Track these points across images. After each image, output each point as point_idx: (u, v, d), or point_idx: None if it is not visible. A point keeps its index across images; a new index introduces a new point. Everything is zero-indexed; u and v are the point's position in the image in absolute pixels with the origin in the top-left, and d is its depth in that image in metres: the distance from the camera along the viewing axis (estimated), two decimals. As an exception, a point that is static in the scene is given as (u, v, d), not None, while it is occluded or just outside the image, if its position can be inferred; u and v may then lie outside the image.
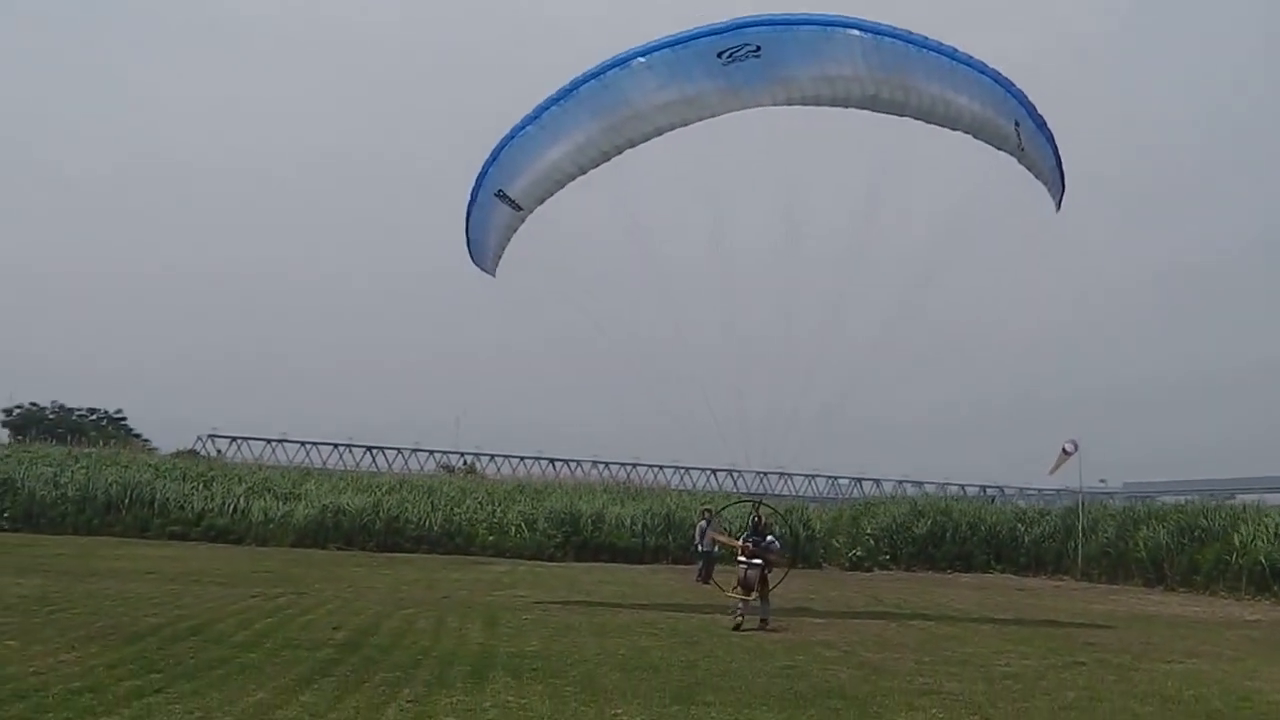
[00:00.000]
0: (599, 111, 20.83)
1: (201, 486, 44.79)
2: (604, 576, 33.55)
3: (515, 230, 22.72)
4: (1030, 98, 20.11)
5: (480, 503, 45.75)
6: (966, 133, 20.75)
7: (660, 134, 21.45)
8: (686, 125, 21.34)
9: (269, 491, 44.99)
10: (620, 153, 21.63)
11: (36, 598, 20.03)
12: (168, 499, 43.10)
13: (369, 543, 41.76)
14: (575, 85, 20.69)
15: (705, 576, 30.55)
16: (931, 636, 20.66)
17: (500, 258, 23.47)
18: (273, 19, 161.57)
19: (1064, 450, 42.49)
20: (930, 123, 20.73)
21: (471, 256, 23.43)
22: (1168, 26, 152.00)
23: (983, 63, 19.71)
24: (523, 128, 21.23)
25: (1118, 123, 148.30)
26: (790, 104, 20.85)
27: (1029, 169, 20.97)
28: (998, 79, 19.80)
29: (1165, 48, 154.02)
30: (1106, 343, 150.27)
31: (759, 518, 22.02)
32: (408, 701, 12.10)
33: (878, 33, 19.64)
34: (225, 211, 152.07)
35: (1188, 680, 16.12)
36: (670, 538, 43.30)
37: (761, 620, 20.63)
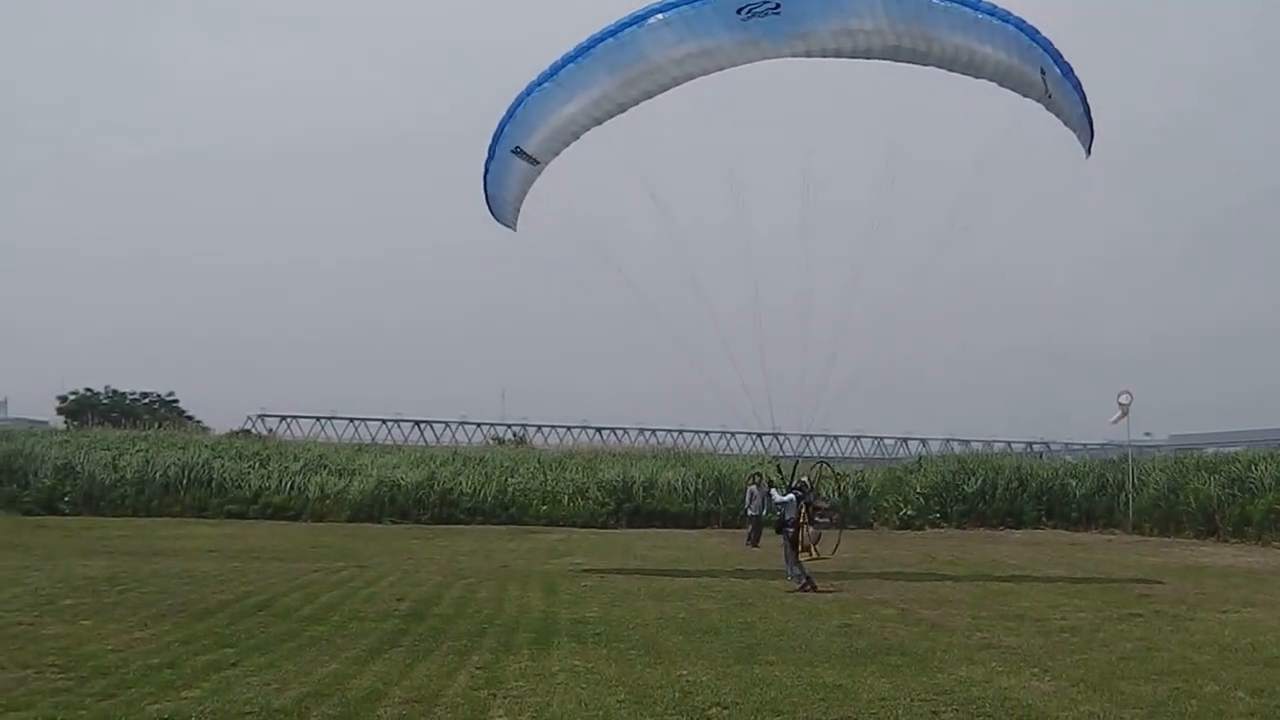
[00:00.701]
0: (616, 68, 20.78)
1: (258, 465, 45.35)
2: (657, 542, 33.83)
3: (532, 182, 22.90)
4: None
5: (532, 473, 46.12)
6: (991, 80, 20.64)
7: (678, 85, 21.39)
8: (705, 75, 21.32)
9: (324, 468, 45.47)
10: (637, 104, 21.65)
11: (105, 578, 20.49)
12: (225, 478, 43.75)
13: (424, 515, 42.29)
14: (592, 43, 20.60)
15: (755, 540, 30.85)
16: (987, 592, 20.76)
17: (519, 211, 23.70)
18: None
19: (1120, 402, 42.31)
20: (954, 71, 20.63)
21: (491, 212, 23.65)
22: None
23: (1006, 11, 19.45)
24: (539, 84, 21.23)
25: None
26: (810, 56, 20.73)
27: (1057, 115, 20.83)
28: (1021, 27, 19.54)
29: None
30: (1145, 292, 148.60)
31: (807, 478, 22.01)
32: (477, 668, 12.37)
33: None
34: (252, 196, 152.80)
35: (1244, 628, 16.19)
36: (721, 502, 43.59)
37: (805, 583, 20.49)
